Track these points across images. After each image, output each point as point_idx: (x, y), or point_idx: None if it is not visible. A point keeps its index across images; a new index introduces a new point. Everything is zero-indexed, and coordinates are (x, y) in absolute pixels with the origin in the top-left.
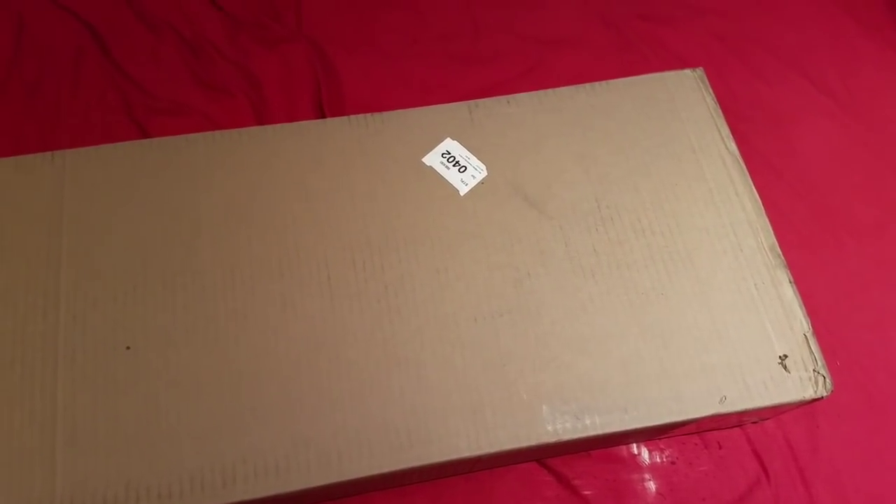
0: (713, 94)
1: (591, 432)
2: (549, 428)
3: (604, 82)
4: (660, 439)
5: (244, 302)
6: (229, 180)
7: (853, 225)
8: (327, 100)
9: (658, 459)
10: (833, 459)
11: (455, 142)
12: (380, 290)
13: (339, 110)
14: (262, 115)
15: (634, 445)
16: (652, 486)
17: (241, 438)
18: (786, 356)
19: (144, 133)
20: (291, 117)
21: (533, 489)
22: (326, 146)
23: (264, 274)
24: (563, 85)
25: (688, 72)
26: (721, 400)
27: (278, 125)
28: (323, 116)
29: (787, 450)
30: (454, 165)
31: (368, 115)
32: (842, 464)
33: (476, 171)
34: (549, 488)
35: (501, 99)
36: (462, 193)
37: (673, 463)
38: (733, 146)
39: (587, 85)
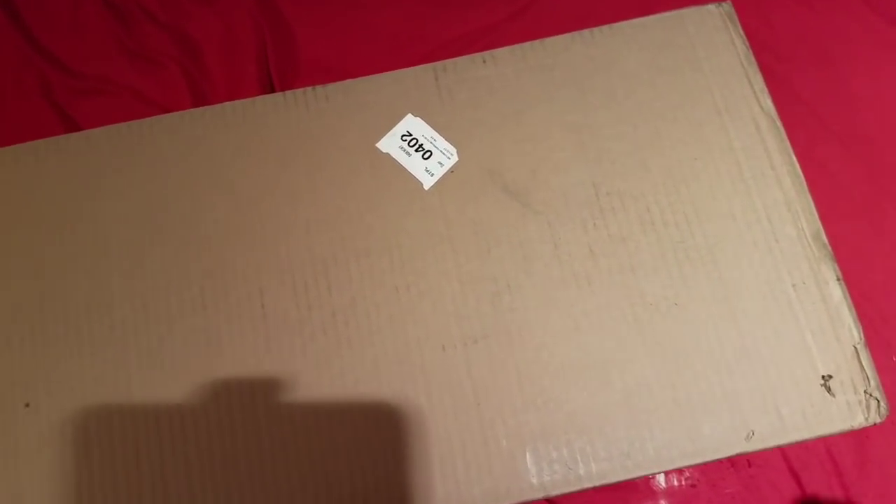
0: (744, 36)
1: (587, 484)
2: (534, 481)
3: (605, 27)
4: None
5: (160, 342)
6: (139, 185)
7: None
8: (277, 65)
9: (675, 482)
10: (885, 476)
11: (418, 119)
12: (326, 318)
13: (293, 76)
14: (201, 89)
15: None
16: None
17: None
18: (830, 376)
19: (68, 119)
20: (235, 89)
21: None
22: (257, 135)
23: (184, 305)
24: (564, 30)
25: (712, 7)
26: (748, 436)
27: (197, 110)
28: (271, 85)
29: (830, 465)
30: (417, 150)
31: (308, 89)
32: (895, 482)
33: (444, 157)
34: None
35: (476, 57)
36: (427, 186)
37: (693, 486)
38: (769, 103)
39: (584, 32)
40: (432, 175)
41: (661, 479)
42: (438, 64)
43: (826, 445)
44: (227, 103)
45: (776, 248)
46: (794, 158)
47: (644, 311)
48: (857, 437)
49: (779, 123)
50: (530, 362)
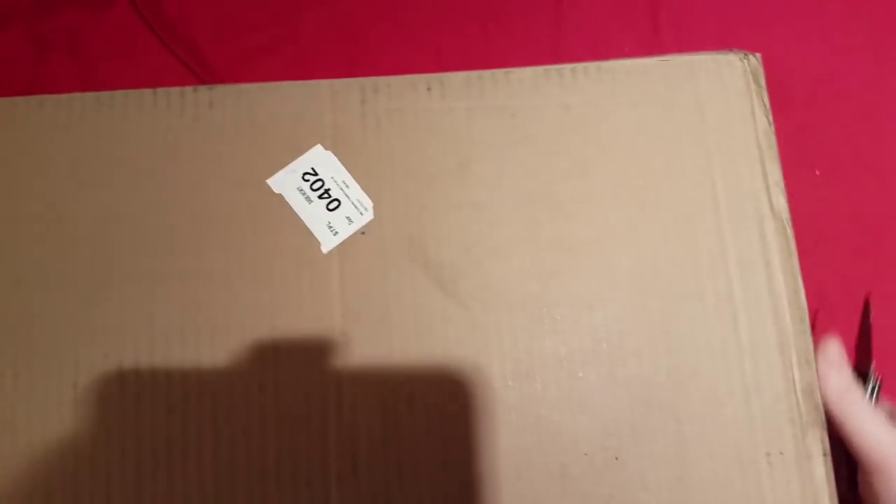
0: (768, 105)
1: None
2: None
3: (592, 65)
4: None
5: None
6: None
7: None
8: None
9: None
10: None
11: (329, 154)
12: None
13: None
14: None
15: None
16: None
17: None
18: None
19: None
20: None
21: None
22: (123, 142)
23: None
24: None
25: (733, 58)
26: None
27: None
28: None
29: None
30: (322, 196)
31: (188, 89)
32: None
33: (356, 210)
34: None
35: (419, 79)
36: (325, 248)
37: None
38: (782, 202)
39: (563, 67)
40: (336, 234)
41: None
42: (368, 80)
43: None
44: (64, 95)
45: (756, 401)
46: (801, 283)
47: (576, 468)
48: None
49: (789, 232)
50: None
